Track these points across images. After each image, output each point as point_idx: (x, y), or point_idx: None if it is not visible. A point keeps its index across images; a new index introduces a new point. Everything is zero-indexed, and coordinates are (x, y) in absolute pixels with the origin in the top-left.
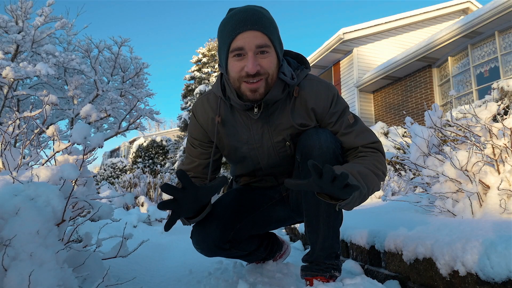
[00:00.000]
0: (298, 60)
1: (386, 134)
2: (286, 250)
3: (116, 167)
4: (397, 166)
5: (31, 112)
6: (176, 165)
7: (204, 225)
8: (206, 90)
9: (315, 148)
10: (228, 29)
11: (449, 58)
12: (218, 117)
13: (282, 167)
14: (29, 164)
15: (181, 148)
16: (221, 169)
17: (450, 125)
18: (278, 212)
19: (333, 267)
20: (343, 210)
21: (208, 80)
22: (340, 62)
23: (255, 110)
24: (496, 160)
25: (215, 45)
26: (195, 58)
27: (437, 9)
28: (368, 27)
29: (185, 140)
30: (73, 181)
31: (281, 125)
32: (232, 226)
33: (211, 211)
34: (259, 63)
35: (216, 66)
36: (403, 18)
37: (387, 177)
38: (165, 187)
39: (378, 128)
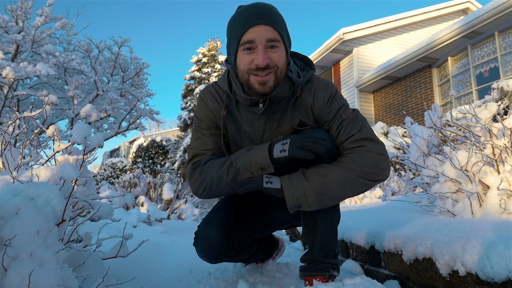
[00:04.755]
0: (304, 62)
1: (386, 134)
2: (282, 246)
3: (116, 167)
4: (397, 166)
5: (31, 112)
6: (176, 165)
7: (208, 233)
8: None
9: None
10: (239, 22)
11: (449, 58)
12: (224, 110)
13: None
14: (29, 164)
15: (181, 148)
16: None
17: (450, 125)
18: (279, 214)
19: (332, 266)
20: (340, 211)
21: (208, 80)
22: (340, 62)
23: (260, 105)
24: (496, 160)
25: (215, 45)
26: (195, 58)
27: (437, 9)
28: (368, 27)
29: (185, 140)
30: (73, 181)
31: (283, 125)
32: (237, 233)
33: (214, 216)
34: (269, 57)
35: (216, 66)
36: (403, 18)
37: None
38: None
39: (378, 128)
